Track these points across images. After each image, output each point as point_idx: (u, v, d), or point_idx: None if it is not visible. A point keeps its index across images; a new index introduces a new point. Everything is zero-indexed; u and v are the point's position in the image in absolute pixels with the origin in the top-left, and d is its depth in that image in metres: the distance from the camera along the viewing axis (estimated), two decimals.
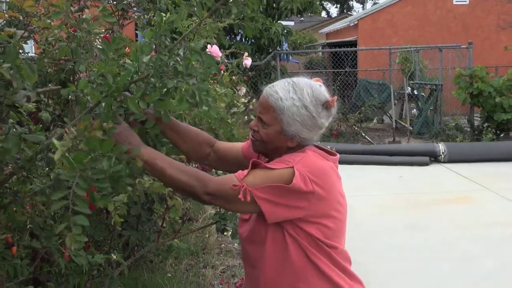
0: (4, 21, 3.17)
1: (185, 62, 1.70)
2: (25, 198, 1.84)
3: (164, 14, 1.73)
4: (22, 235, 2.21)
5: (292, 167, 1.72)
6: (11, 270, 1.91)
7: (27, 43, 3.25)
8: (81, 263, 2.20)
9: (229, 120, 2.61)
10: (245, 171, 1.77)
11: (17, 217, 1.79)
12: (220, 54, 3.30)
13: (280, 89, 1.81)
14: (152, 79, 1.69)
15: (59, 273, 2.64)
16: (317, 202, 1.75)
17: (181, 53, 1.74)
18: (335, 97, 1.85)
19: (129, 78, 1.69)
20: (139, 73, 1.70)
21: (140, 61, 1.67)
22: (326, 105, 1.81)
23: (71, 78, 2.73)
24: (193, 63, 1.69)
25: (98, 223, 2.98)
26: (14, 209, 1.79)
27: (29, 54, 3.53)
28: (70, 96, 2.61)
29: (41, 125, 2.29)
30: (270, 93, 1.81)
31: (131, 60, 2.42)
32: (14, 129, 1.65)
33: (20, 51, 1.62)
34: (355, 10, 42.39)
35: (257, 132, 1.85)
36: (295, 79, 1.85)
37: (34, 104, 2.18)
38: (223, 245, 5.12)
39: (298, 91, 1.79)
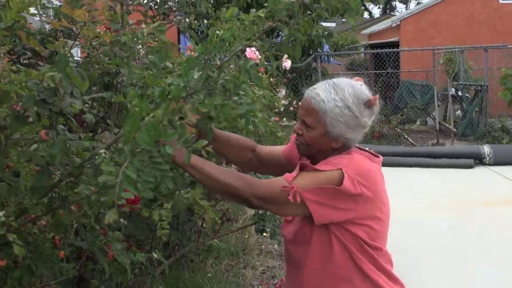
0: (52, 27, 3.27)
1: (233, 80, 1.67)
2: (72, 203, 1.90)
3: (218, 32, 1.71)
4: (67, 234, 2.28)
5: (341, 169, 1.72)
6: (57, 272, 1.97)
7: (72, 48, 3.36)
8: (124, 262, 2.25)
9: (271, 124, 2.61)
10: (294, 173, 1.76)
11: (64, 220, 1.83)
12: (259, 57, 3.32)
13: (321, 91, 1.80)
14: (201, 96, 1.67)
15: (103, 271, 2.71)
16: (364, 204, 1.75)
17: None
18: (377, 96, 1.84)
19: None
20: (188, 88, 1.70)
21: (189, 76, 1.64)
22: (368, 104, 1.80)
23: (114, 81, 2.80)
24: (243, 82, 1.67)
25: (139, 223, 3.05)
26: (61, 211, 1.84)
27: (74, 58, 3.63)
28: (113, 99, 2.68)
29: (87, 129, 2.36)
30: (312, 96, 1.81)
31: (172, 63, 2.47)
32: (64, 135, 1.70)
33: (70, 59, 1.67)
34: (398, 11, 41.84)
35: (301, 135, 1.85)
36: (335, 80, 1.85)
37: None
38: (263, 246, 5.15)
39: (340, 92, 1.79)
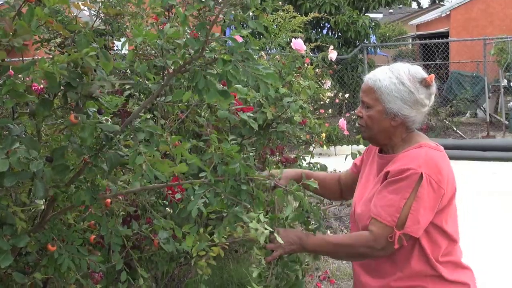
0: (100, 20, 3.34)
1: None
2: (101, 195, 1.89)
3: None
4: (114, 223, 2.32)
5: (421, 174, 1.77)
6: (84, 266, 1.95)
7: (120, 40, 3.42)
8: (170, 250, 2.28)
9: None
10: (389, 212, 1.80)
11: (94, 210, 1.83)
12: (305, 48, 3.30)
13: (378, 72, 1.91)
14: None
15: (149, 260, 2.76)
16: (443, 198, 1.83)
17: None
18: (433, 75, 1.90)
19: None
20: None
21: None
22: (424, 83, 1.87)
23: (161, 73, 2.83)
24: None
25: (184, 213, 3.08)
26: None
27: (122, 52, 3.70)
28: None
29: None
30: (369, 77, 1.92)
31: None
32: (94, 118, 1.67)
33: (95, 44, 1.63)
34: (448, 0, 40.84)
35: (362, 118, 1.93)
36: (393, 64, 1.94)
37: (125, 97, 2.28)
38: None
39: (395, 71, 1.88)
